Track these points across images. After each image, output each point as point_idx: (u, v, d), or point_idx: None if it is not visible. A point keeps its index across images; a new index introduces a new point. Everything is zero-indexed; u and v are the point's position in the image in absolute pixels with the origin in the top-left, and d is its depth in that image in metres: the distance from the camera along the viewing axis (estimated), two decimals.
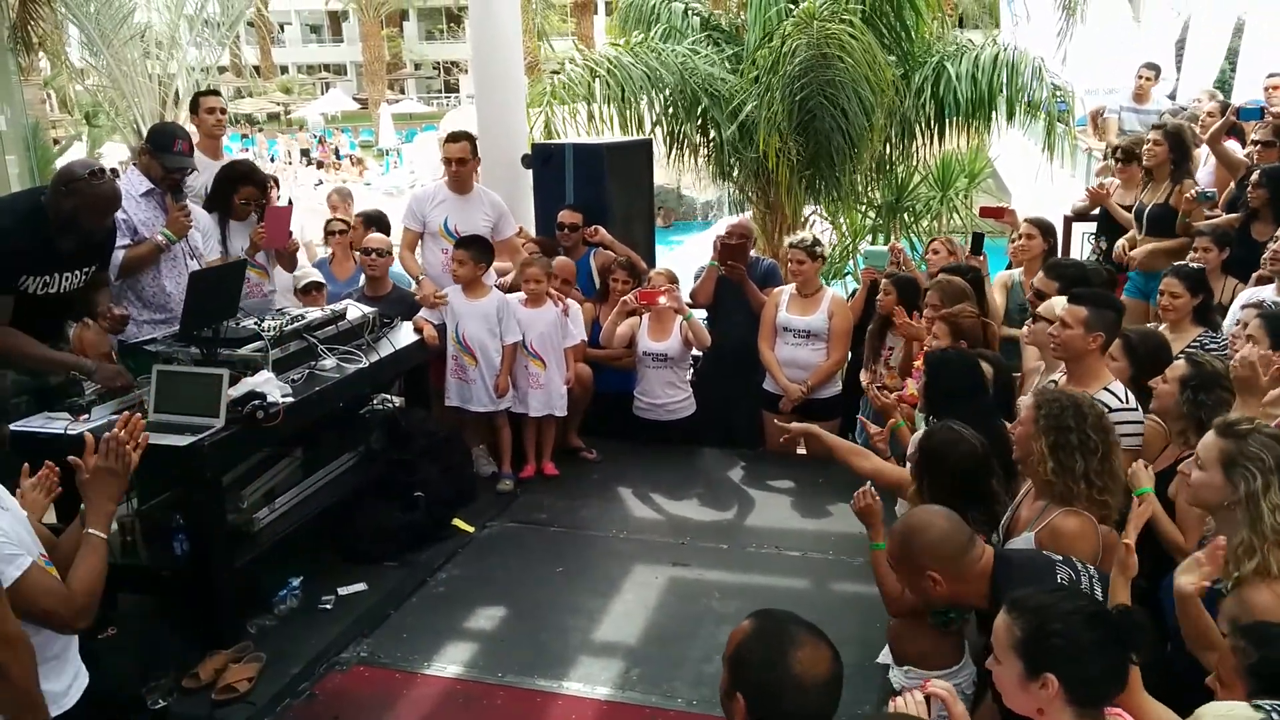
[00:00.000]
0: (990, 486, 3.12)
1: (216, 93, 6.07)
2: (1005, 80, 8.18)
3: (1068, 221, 7.03)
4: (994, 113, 8.36)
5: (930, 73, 8.35)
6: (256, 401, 3.76)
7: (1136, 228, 5.80)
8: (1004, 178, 13.83)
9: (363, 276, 5.66)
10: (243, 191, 5.08)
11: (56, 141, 19.41)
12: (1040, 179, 9.19)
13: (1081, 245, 7.47)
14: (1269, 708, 1.48)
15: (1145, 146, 5.83)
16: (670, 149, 8.89)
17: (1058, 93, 8.38)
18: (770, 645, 1.94)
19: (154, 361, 3.94)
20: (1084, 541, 2.75)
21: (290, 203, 5.79)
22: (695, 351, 5.78)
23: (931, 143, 8.83)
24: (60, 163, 12.86)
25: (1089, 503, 2.82)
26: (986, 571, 2.57)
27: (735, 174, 8.91)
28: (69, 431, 3.61)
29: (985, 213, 5.81)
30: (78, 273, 4.05)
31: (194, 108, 5.74)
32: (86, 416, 3.74)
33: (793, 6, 8.15)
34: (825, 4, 7.79)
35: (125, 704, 3.34)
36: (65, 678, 2.59)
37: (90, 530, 2.55)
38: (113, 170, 4.26)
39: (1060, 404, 2.89)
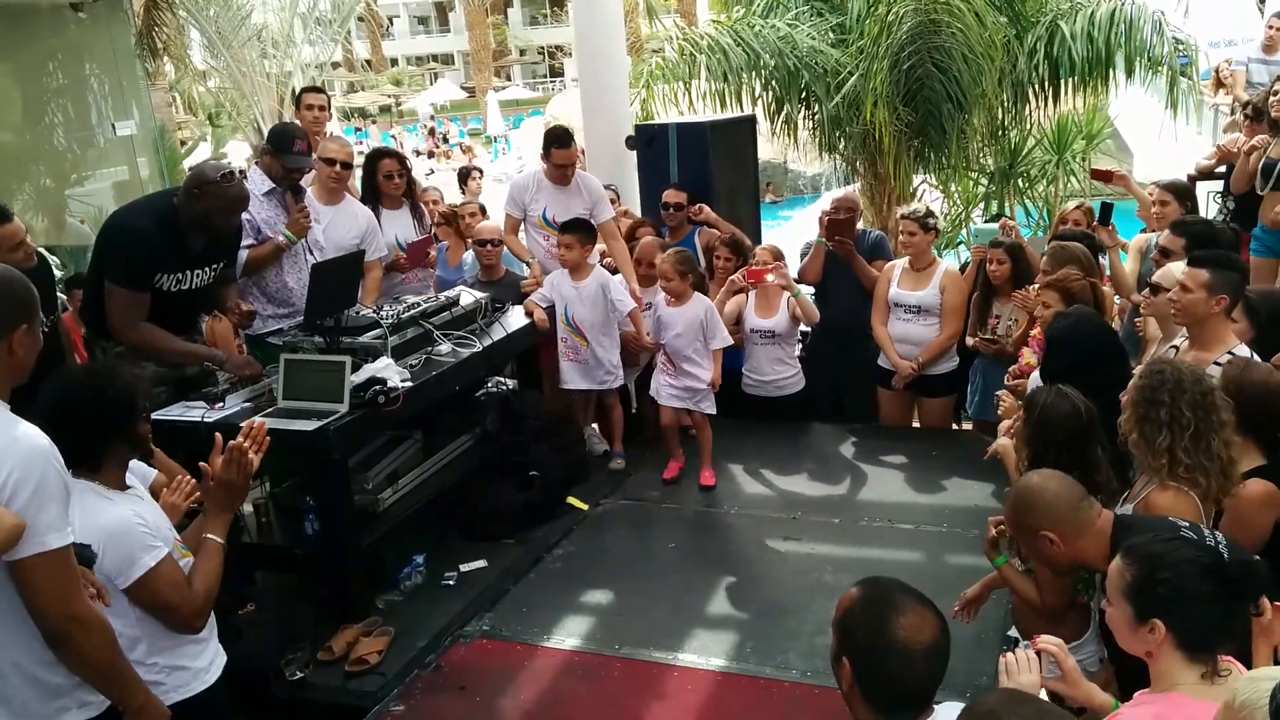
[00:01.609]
0: (1093, 454, 3.00)
1: (318, 89, 6.31)
2: (1123, 36, 7.82)
3: (1191, 180, 6.70)
4: (1112, 70, 8.01)
5: (1044, 32, 8.05)
6: (377, 387, 3.92)
7: (1262, 182, 5.49)
8: (1125, 138, 13.23)
9: (472, 261, 5.81)
10: (383, 166, 5.43)
11: (183, 143, 20.37)
12: (1164, 138, 8.76)
13: (1207, 204, 7.11)
14: None
15: (1275, 98, 5.50)
16: (773, 124, 8.81)
17: (1179, 46, 7.96)
18: (876, 610, 1.96)
19: (280, 351, 4.14)
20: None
21: (434, 236, 5.99)
22: (804, 327, 5.75)
23: (1046, 105, 8.52)
24: (188, 163, 13.53)
25: (1182, 479, 2.70)
26: (1106, 530, 2.54)
27: (841, 146, 8.78)
28: (206, 419, 3.84)
29: (1096, 175, 5.57)
30: (207, 269, 4.28)
31: (296, 104, 6.00)
32: (221, 405, 3.96)
33: None
34: None
35: (265, 676, 3.56)
36: (207, 655, 2.78)
37: (209, 536, 2.70)
38: (240, 172, 4.49)
39: (1161, 376, 2.77)
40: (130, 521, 2.52)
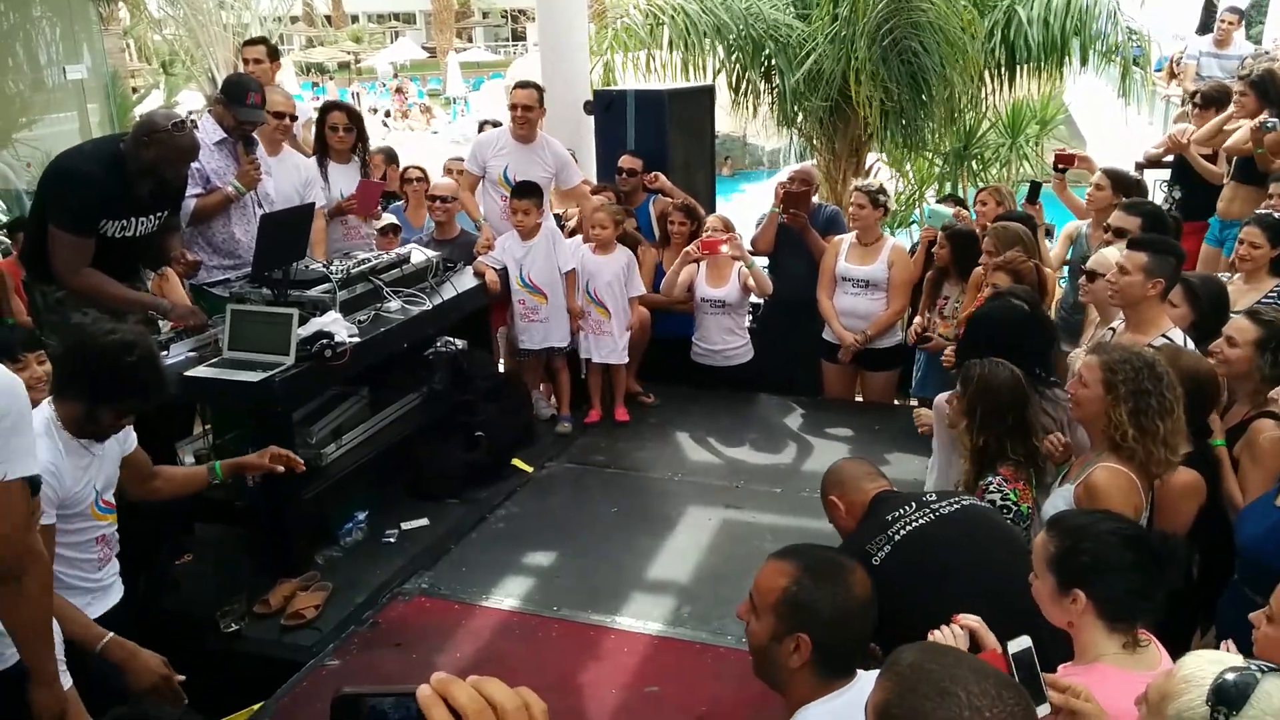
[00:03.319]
0: (1032, 417, 3.17)
1: (260, 41, 6.19)
2: (1079, 24, 7.93)
3: (1139, 168, 6.84)
4: (1067, 57, 8.13)
5: (1001, 16, 8.13)
6: (324, 341, 3.89)
7: (1226, 173, 5.63)
8: (1078, 124, 13.43)
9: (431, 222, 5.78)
10: (331, 119, 5.42)
11: (135, 90, 19.82)
12: (1116, 126, 8.92)
13: (1154, 193, 7.27)
14: (1254, 666, 1.52)
15: (1235, 98, 5.63)
16: (734, 96, 8.81)
17: (1134, 37, 8.10)
18: (832, 578, 2.01)
19: (226, 302, 4.09)
20: (1119, 496, 2.73)
21: (385, 178, 5.94)
22: (755, 299, 5.80)
23: (1002, 89, 8.62)
24: (139, 111, 13.18)
25: (1149, 459, 2.77)
26: (862, 503, 2.84)
27: (800, 121, 8.81)
28: None
29: (1060, 159, 5.68)
30: (152, 218, 4.21)
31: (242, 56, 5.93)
32: (165, 353, 3.91)
33: None
34: None
35: (200, 626, 3.55)
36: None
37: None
38: (191, 121, 4.42)
39: (1133, 365, 2.81)
40: (44, 463, 2.47)
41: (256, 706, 3.13)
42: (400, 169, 6.49)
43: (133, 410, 2.76)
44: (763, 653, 2.10)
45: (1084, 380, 2.89)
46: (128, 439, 2.98)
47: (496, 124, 7.62)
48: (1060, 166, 5.64)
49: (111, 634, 2.67)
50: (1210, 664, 1.56)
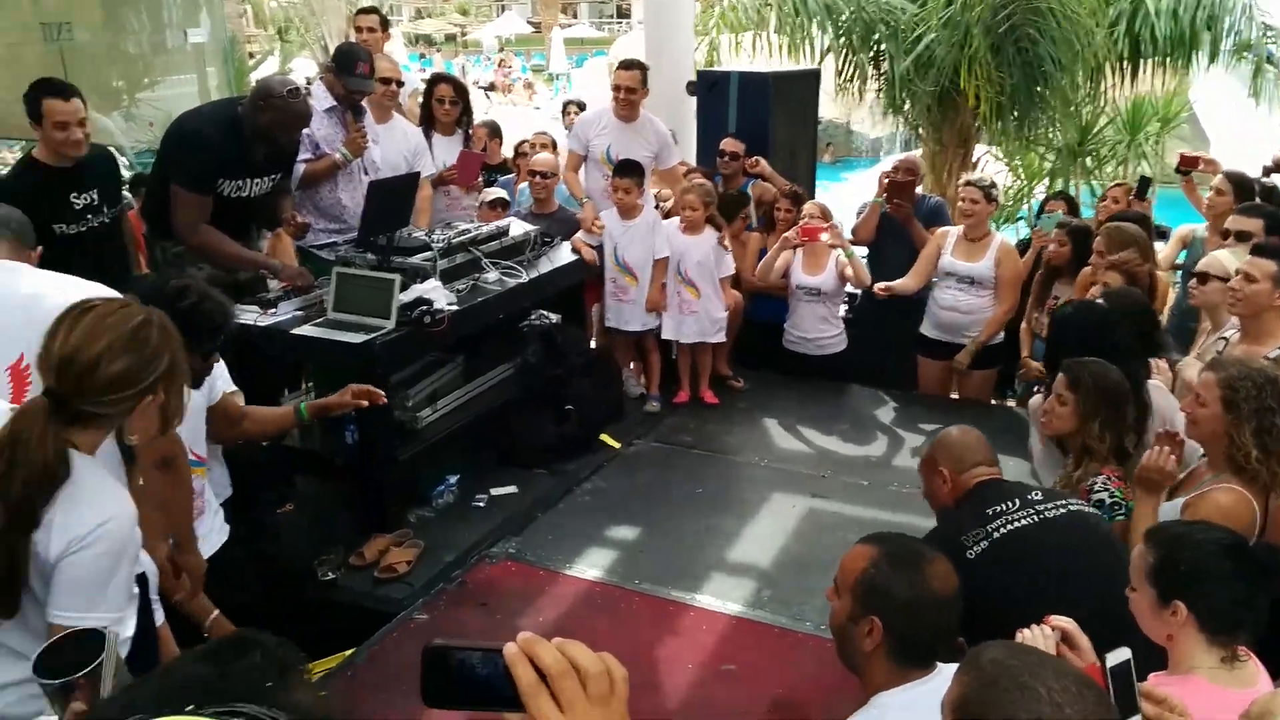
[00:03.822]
0: (1129, 416, 3.13)
1: (371, 10, 6.32)
2: (1211, 18, 7.58)
3: (1267, 173, 6.53)
4: (1195, 53, 7.78)
5: (1127, 6, 7.83)
6: (424, 307, 3.99)
7: None
8: (1202, 123, 12.88)
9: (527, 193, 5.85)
10: (438, 91, 5.51)
11: (251, 55, 20.44)
12: (1243, 127, 8.53)
13: None
14: None
15: None
16: (840, 81, 8.68)
17: (1269, 33, 7.72)
18: (909, 565, 2.01)
19: (332, 264, 4.22)
20: (1238, 525, 2.62)
21: (485, 150, 6.04)
22: (851, 289, 5.73)
23: (1123, 83, 8.31)
24: (255, 76, 13.60)
25: (1274, 481, 2.67)
26: (966, 488, 2.77)
27: (907, 109, 8.64)
28: (258, 323, 3.94)
29: (1185, 160, 5.46)
30: (265, 180, 4.36)
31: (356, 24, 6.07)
32: (273, 310, 4.06)
33: None
34: None
35: (299, 574, 3.69)
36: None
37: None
38: (305, 88, 4.55)
39: (1254, 382, 2.70)
40: None
41: (349, 652, 3.25)
42: (513, 144, 6.58)
43: (211, 350, 2.81)
44: (841, 633, 2.13)
45: (1202, 399, 2.78)
46: (212, 389, 3.07)
47: (582, 106, 7.69)
48: (1183, 169, 5.42)
49: (218, 611, 2.78)
50: None
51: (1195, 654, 2.00)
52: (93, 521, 1.85)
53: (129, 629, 1.95)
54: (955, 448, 2.86)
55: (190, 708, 0.70)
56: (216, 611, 2.77)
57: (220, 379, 3.09)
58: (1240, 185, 5.04)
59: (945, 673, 1.98)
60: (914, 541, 2.21)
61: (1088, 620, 1.98)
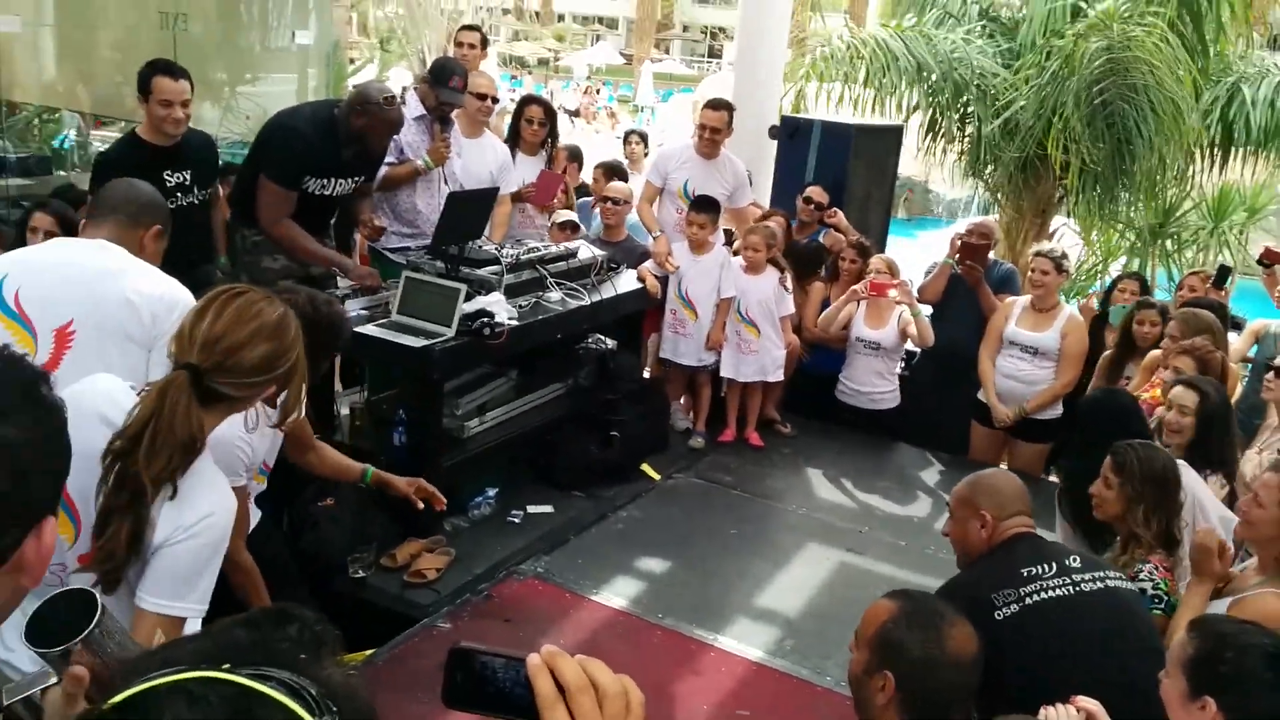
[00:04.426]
0: (1179, 503, 3.04)
1: (474, 28, 6.49)
2: None
3: None
4: None
5: (1223, 93, 7.72)
6: (485, 319, 4.06)
7: None
8: None
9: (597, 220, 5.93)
10: (528, 111, 5.63)
11: (352, 61, 21.03)
12: None
13: None
14: None
15: None
16: (923, 139, 8.66)
17: None
18: (927, 622, 2.00)
19: (402, 268, 4.32)
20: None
21: (565, 171, 6.16)
22: (911, 346, 5.69)
23: (1212, 169, 8.17)
24: (352, 81, 13.99)
25: None
26: (1002, 538, 2.69)
27: (989, 172, 8.59)
28: None
29: (1269, 254, 5.35)
30: (350, 181, 4.49)
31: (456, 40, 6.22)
32: (342, 307, 4.15)
33: (1083, 4, 7.72)
34: (1125, 4, 7.32)
35: (331, 567, 3.75)
36: None
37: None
38: (400, 97, 4.69)
39: None
40: (233, 438, 2.63)
41: (369, 652, 3.29)
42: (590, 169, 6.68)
43: (336, 352, 2.93)
44: (857, 685, 2.12)
45: (1260, 500, 2.72)
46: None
47: (644, 136, 7.78)
48: (1266, 261, 5.31)
49: None
50: None
51: None
52: (202, 511, 1.89)
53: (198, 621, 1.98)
54: (998, 493, 2.77)
55: (226, 666, 0.73)
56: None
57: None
58: None
59: None
60: (939, 602, 2.20)
61: (1111, 701, 1.95)
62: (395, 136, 4.74)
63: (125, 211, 2.85)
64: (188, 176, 4.32)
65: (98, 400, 1.93)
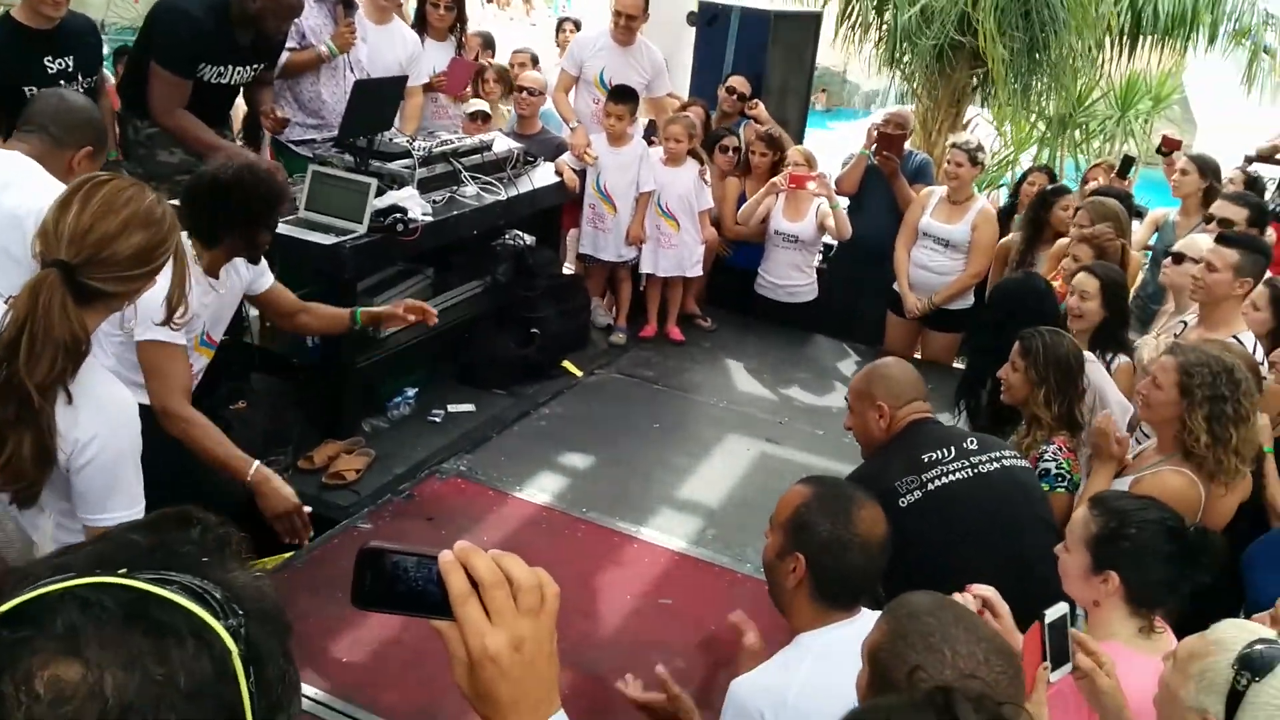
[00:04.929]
0: (1082, 386, 3.16)
1: None
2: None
3: (1249, 162, 6.55)
4: (1195, 33, 7.74)
5: None
6: (398, 215, 3.93)
7: None
8: (1193, 106, 12.86)
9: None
10: None
11: None
12: (1233, 113, 8.54)
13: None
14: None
15: None
16: (840, 27, 8.56)
17: (1270, 21, 7.69)
18: (837, 505, 2.06)
19: (308, 161, 4.14)
20: (1184, 506, 2.68)
21: (477, 59, 5.91)
22: (828, 239, 5.72)
23: (1119, 58, 8.26)
24: None
25: (1219, 468, 2.72)
26: (900, 425, 2.78)
27: (905, 62, 8.55)
28: None
29: (1167, 142, 5.46)
30: (248, 68, 4.25)
31: None
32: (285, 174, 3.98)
33: None
34: None
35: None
36: None
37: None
38: None
39: (1211, 370, 2.73)
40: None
41: (288, 555, 3.26)
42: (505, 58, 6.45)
43: (274, 226, 2.86)
44: (770, 569, 2.19)
45: (1158, 382, 2.82)
46: (260, 279, 3.12)
47: (578, 24, 7.52)
48: (1164, 150, 5.44)
49: (259, 461, 2.77)
50: (1244, 632, 1.57)
51: (1116, 621, 2.08)
52: (91, 430, 1.83)
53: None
54: (893, 382, 2.85)
55: (123, 571, 0.70)
56: (258, 463, 2.75)
57: (266, 271, 3.11)
58: (1203, 166, 5.07)
59: (867, 618, 2.03)
60: (850, 486, 2.26)
61: (1007, 580, 2.03)
62: (296, 20, 4.49)
63: (52, 130, 2.65)
64: (70, 63, 4.03)
65: None
